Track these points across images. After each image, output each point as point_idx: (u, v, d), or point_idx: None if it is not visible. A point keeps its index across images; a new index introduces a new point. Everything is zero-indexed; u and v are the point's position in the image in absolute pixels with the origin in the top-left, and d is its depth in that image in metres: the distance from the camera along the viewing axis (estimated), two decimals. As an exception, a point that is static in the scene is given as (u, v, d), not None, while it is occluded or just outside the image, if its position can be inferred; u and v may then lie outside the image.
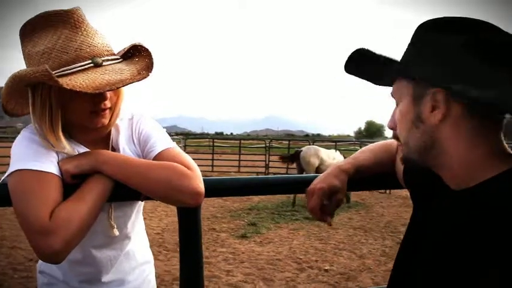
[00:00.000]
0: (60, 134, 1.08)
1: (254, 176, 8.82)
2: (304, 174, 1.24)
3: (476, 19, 0.83)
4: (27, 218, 0.97)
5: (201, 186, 1.10)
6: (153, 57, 1.17)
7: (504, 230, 0.75)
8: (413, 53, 0.89)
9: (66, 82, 0.98)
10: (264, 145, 18.88)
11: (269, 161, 15.46)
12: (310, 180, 1.19)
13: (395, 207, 9.48)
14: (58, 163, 1.09)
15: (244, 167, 15.89)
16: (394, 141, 1.33)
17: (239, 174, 14.34)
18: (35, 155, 1.07)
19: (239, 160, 15.68)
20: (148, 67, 1.14)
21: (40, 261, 1.37)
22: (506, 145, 0.86)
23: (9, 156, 1.11)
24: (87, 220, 1.02)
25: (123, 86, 1.07)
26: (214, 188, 1.22)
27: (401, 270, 1.03)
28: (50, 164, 1.06)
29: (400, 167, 1.22)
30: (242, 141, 19.85)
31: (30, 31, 1.08)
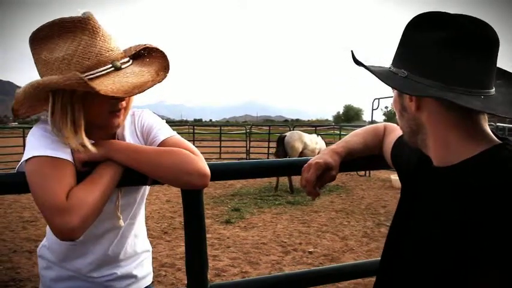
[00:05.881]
0: (83, 135, 1.13)
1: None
2: (302, 157, 1.32)
3: (455, 14, 0.88)
4: (45, 199, 1.03)
5: (207, 168, 1.19)
6: (168, 58, 1.23)
7: (475, 206, 0.83)
8: (397, 54, 0.99)
9: (99, 87, 1.03)
10: (244, 131, 18.88)
11: (250, 146, 15.53)
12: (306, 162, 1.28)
13: (375, 189, 9.72)
14: (71, 151, 1.15)
15: (225, 153, 15.91)
16: (381, 125, 1.40)
17: (220, 160, 14.37)
18: (51, 143, 1.12)
19: (220, 147, 15.69)
20: (165, 68, 1.22)
21: (39, 246, 1.42)
22: (486, 127, 0.92)
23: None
24: (100, 201, 1.09)
25: (148, 88, 1.13)
26: (220, 172, 1.31)
27: (392, 247, 1.10)
28: (64, 152, 1.12)
29: (387, 149, 1.29)
30: (222, 128, 19.81)
31: (44, 37, 1.11)
